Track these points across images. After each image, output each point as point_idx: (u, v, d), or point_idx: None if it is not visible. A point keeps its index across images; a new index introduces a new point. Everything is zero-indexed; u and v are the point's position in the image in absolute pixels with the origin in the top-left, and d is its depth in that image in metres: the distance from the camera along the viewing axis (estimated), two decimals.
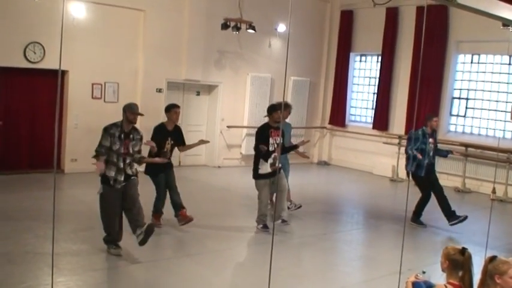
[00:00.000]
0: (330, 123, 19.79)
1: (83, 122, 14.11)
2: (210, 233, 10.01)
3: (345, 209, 13.71)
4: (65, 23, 12.78)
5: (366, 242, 10.75)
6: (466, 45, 16.28)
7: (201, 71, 16.34)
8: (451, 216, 11.26)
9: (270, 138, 10.09)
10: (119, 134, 8.16)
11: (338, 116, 19.42)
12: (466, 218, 11.10)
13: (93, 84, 14.48)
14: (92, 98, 14.44)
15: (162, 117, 15.44)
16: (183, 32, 15.79)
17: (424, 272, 5.34)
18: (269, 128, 10.21)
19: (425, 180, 11.34)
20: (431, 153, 11.32)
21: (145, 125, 14.64)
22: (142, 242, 8.04)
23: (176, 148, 10.36)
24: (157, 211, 10.07)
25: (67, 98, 14.15)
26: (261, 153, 10.01)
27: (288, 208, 11.30)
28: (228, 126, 16.99)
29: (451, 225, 11.12)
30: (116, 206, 8.19)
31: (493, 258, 4.71)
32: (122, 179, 8.15)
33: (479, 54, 16.17)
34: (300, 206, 11.85)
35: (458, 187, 15.71)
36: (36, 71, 13.62)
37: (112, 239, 8.29)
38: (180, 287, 7.48)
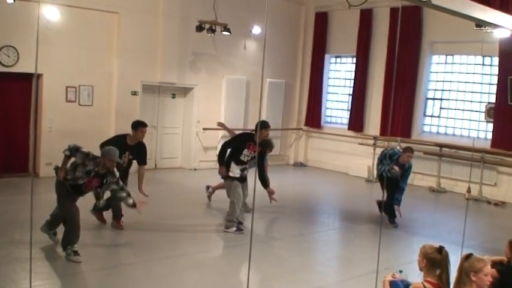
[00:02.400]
0: (305, 124, 19.84)
1: (58, 125, 14.01)
2: (185, 235, 9.98)
3: (322, 209, 13.74)
4: (40, 26, 12.66)
5: (343, 242, 10.80)
6: (440, 46, 16.42)
7: (176, 74, 16.30)
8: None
9: (245, 150, 10.22)
10: (91, 169, 8.09)
11: (314, 117, 19.48)
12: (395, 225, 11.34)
13: (67, 88, 14.36)
14: (66, 101, 14.33)
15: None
16: (157, 35, 15.74)
17: (401, 271, 5.38)
18: (250, 140, 10.30)
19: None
20: (394, 176, 11.35)
21: (120, 128, 14.65)
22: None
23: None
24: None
25: (41, 101, 14.03)
26: (234, 156, 10.23)
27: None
28: (204, 129, 16.96)
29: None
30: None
31: (468, 256, 4.76)
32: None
33: (453, 55, 16.31)
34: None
35: (433, 187, 15.84)
36: (10, 75, 13.47)
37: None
38: None
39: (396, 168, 11.22)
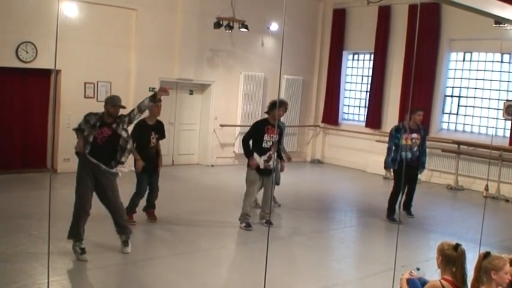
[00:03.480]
0: (323, 121, 19.80)
1: (76, 121, 13.89)
2: (202, 231, 9.99)
3: (339, 207, 13.72)
4: (58, 23, 12.74)
5: (360, 240, 10.77)
6: (459, 43, 16.31)
7: (194, 70, 16.33)
8: (388, 211, 11.46)
9: (266, 135, 10.01)
10: (94, 122, 8.06)
11: (331, 114, 19.44)
12: (396, 223, 11.23)
13: (85, 84, 14.44)
14: (85, 97, 14.40)
15: None
16: (175, 31, 15.77)
17: (418, 269, 5.36)
18: (267, 124, 10.09)
19: (396, 173, 11.40)
20: (414, 149, 11.29)
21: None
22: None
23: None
24: (131, 209, 9.88)
25: (60, 97, 14.11)
26: (256, 146, 10.01)
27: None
28: (221, 125, 16.98)
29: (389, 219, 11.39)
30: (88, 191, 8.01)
31: (487, 255, 4.73)
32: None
33: (471, 52, 16.20)
34: (279, 205, 11.98)
35: (451, 184, 15.75)
36: (28, 71, 13.58)
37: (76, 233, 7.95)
38: (174, 286, 7.46)
39: (415, 135, 11.17)
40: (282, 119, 12.13)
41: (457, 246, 4.85)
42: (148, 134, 9.84)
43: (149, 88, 15.40)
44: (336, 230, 11.08)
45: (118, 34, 14.92)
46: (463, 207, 13.88)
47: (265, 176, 10.13)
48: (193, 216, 10.87)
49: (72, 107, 13.97)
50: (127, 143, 8.17)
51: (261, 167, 9.99)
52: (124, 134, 8.15)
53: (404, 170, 11.30)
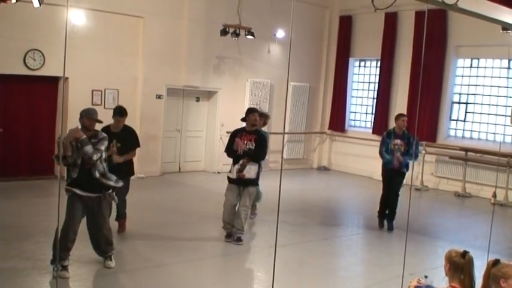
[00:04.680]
0: (329, 128, 19.80)
1: None
2: (208, 238, 9.98)
3: (345, 214, 13.70)
4: (67, 31, 12.77)
5: (367, 247, 10.74)
6: (466, 49, 16.30)
7: (201, 77, 16.36)
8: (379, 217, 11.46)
9: (237, 139, 9.71)
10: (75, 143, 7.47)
11: (338, 121, 19.44)
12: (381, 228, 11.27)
13: (93, 91, 14.48)
14: (92, 104, 14.38)
15: (163, 123, 15.59)
16: (182, 39, 15.81)
17: (426, 277, 5.34)
18: (242, 130, 9.82)
19: (384, 178, 11.45)
20: (398, 154, 11.13)
21: (145, 131, 14.73)
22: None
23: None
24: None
25: (67, 104, 14.13)
26: (232, 156, 9.74)
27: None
28: (228, 132, 16.82)
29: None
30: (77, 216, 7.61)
31: (496, 262, 4.69)
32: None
33: (478, 59, 16.19)
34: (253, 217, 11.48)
35: (458, 192, 15.71)
36: (36, 78, 13.63)
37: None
38: None
39: (398, 141, 11.06)
40: (264, 128, 11.68)
41: (465, 254, 4.82)
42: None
43: (156, 95, 15.47)
44: (343, 237, 11.06)
45: (125, 42, 14.96)
46: (470, 215, 13.84)
47: (242, 186, 9.73)
48: (198, 223, 10.87)
49: (79, 114, 13.95)
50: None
51: (233, 176, 9.67)
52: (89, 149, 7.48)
53: (387, 176, 11.29)
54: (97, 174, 7.57)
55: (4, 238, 9.02)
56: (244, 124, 9.95)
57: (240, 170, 9.58)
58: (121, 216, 9.76)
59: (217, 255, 9.32)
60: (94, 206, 7.69)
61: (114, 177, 7.79)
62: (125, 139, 9.35)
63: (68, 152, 7.44)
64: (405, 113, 16.74)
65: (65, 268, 7.48)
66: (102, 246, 7.93)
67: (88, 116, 7.65)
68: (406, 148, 11.10)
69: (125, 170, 9.34)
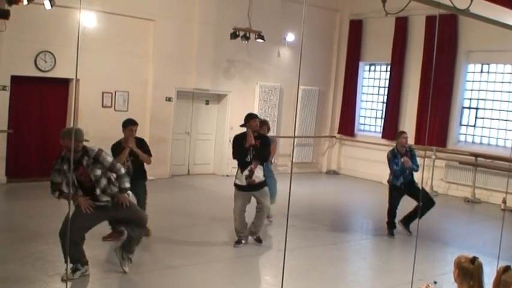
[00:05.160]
0: (339, 132, 19.78)
1: (93, 130, 14.09)
2: (215, 241, 9.99)
3: (355, 218, 13.67)
4: (76, 32, 12.82)
5: (376, 252, 10.71)
6: (476, 54, 16.24)
7: (210, 80, 16.39)
8: (405, 223, 11.30)
9: (246, 144, 9.56)
10: (59, 167, 7.42)
11: (347, 125, 19.41)
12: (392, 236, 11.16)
13: (103, 93, 14.54)
14: (102, 106, 14.50)
15: (172, 126, 15.61)
16: (192, 42, 15.85)
17: (435, 282, 5.34)
18: (244, 137, 9.66)
19: (394, 193, 11.39)
20: (406, 173, 11.16)
21: (154, 133, 14.77)
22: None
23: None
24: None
25: (77, 106, 14.20)
26: (239, 162, 9.63)
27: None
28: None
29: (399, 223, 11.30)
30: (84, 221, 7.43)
31: (507, 269, 4.67)
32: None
33: (489, 64, 16.13)
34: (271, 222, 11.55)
35: (467, 197, 15.65)
36: (47, 80, 13.70)
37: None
38: None
39: (404, 158, 11.02)
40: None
41: (474, 260, 4.80)
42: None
43: (166, 98, 15.50)
44: (352, 242, 11.04)
45: (136, 44, 15.02)
46: (480, 220, 13.78)
47: (254, 191, 9.71)
48: (206, 226, 10.88)
49: (89, 116, 14.03)
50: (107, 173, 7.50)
51: (242, 183, 9.60)
52: (98, 172, 7.38)
53: (404, 190, 11.27)
54: (98, 191, 7.43)
55: (14, 239, 9.08)
56: (242, 130, 9.81)
57: (250, 176, 9.54)
58: None
59: (226, 259, 9.32)
60: (110, 209, 7.59)
61: (113, 193, 7.58)
62: (138, 151, 9.43)
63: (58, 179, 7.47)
64: (415, 117, 16.85)
65: (74, 271, 7.45)
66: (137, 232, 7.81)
67: (62, 136, 7.26)
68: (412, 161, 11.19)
69: (138, 176, 9.41)
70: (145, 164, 9.65)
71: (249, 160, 9.54)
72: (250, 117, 9.79)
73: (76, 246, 7.41)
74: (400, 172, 11.06)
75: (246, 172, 9.53)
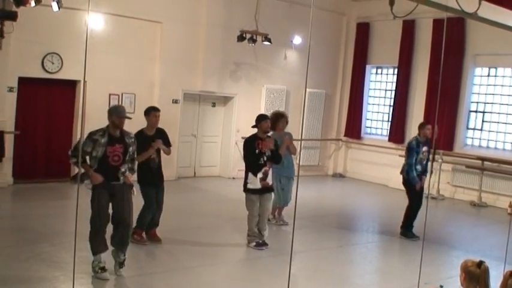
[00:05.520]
0: (345, 135, 19.76)
1: None
2: (222, 244, 9.98)
3: (361, 221, 13.65)
4: (83, 34, 12.84)
5: (382, 255, 10.70)
6: (483, 58, 16.21)
7: (217, 83, 16.40)
8: (406, 228, 11.29)
9: (257, 150, 9.58)
10: (104, 140, 7.56)
11: (353, 128, 19.39)
12: (417, 238, 11.00)
13: (110, 95, 14.56)
14: None
15: (179, 128, 15.61)
16: (199, 44, 15.86)
17: (441, 286, 5.32)
18: (256, 139, 9.69)
19: (412, 188, 11.28)
20: (424, 162, 11.21)
21: None
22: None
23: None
24: (141, 226, 9.45)
25: (84, 108, 14.22)
26: (249, 166, 9.60)
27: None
28: (243, 138, 16.84)
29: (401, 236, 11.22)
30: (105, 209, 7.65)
31: None
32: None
33: (496, 68, 16.10)
34: (286, 224, 11.61)
35: (474, 201, 15.60)
36: (54, 81, 13.73)
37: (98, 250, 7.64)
38: None
39: (425, 148, 11.11)
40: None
41: (480, 264, 4.79)
42: (147, 145, 9.20)
43: (173, 100, 15.51)
44: (358, 245, 11.03)
45: (143, 46, 15.04)
46: (486, 224, 13.74)
47: (262, 194, 9.73)
48: (212, 229, 10.87)
49: (96, 118, 13.93)
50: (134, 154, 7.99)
51: (257, 186, 9.57)
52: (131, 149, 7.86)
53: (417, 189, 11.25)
54: (123, 169, 7.71)
55: (20, 240, 9.10)
56: (249, 131, 9.88)
57: (264, 179, 9.57)
58: (156, 224, 9.67)
59: (232, 261, 9.32)
60: (117, 193, 7.69)
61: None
62: (163, 139, 9.49)
63: (89, 149, 7.53)
64: (422, 120, 16.80)
65: (103, 269, 7.60)
66: (119, 237, 7.78)
67: (117, 114, 7.69)
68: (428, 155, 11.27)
69: (159, 176, 9.55)
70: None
71: (262, 162, 9.57)
72: (261, 119, 9.87)
73: (105, 229, 7.64)
74: (416, 180, 11.05)
75: (260, 174, 9.54)
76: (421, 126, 11.42)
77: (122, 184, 7.73)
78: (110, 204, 7.75)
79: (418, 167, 11.14)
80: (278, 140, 10.44)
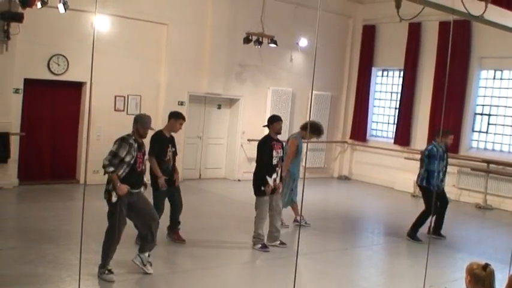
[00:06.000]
0: (351, 137, 19.76)
1: (106, 133, 14.11)
2: (227, 246, 9.98)
3: (366, 224, 13.63)
4: (89, 36, 12.90)
5: (387, 258, 10.69)
6: (489, 61, 16.19)
7: (223, 85, 16.41)
8: (436, 232, 11.34)
9: (273, 151, 9.64)
10: (136, 145, 7.65)
11: (359, 130, 19.39)
12: (421, 242, 11.04)
13: (116, 97, 14.59)
14: (115, 110, 14.54)
15: (184, 130, 15.58)
16: (205, 46, 15.88)
17: None
18: (271, 140, 9.75)
19: (433, 194, 11.26)
20: (443, 169, 11.23)
21: None
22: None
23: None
24: None
25: (90, 109, 14.24)
26: (264, 168, 9.59)
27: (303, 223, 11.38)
28: (249, 140, 16.96)
29: (431, 236, 11.12)
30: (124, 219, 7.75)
31: None
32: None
33: (502, 70, 16.07)
34: (287, 226, 11.58)
35: (479, 203, 15.58)
36: (59, 83, 13.77)
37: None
38: None
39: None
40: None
41: (486, 266, 4.78)
42: (166, 147, 9.39)
43: (178, 102, 15.52)
44: (363, 248, 11.02)
45: (149, 48, 15.07)
46: (492, 227, 13.72)
47: (274, 194, 9.78)
48: (218, 231, 10.88)
49: (102, 119, 14.06)
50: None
51: (272, 187, 9.63)
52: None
53: (437, 192, 11.22)
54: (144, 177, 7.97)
55: (25, 241, 9.13)
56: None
57: (275, 180, 9.63)
58: (176, 224, 9.79)
59: (236, 263, 9.32)
60: (135, 199, 7.75)
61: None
62: (175, 144, 9.65)
63: (124, 153, 7.57)
64: (428, 123, 16.82)
65: (110, 271, 7.64)
66: (152, 236, 7.95)
67: (143, 125, 7.81)
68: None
69: (172, 178, 9.57)
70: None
71: (276, 163, 9.66)
72: (274, 119, 9.95)
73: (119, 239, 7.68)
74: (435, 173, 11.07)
75: (275, 175, 9.63)
76: (443, 135, 11.44)
77: (139, 191, 7.84)
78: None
79: (439, 175, 11.16)
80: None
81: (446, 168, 11.40)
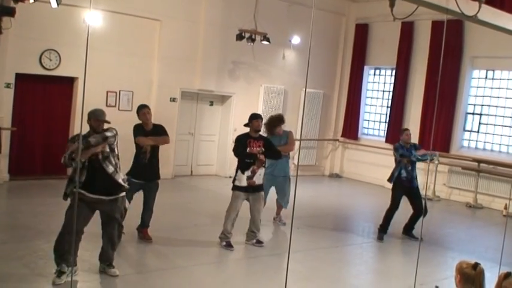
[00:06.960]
0: (342, 135, 19.78)
1: None
2: (217, 242, 9.97)
3: (357, 222, 13.67)
4: (82, 31, 12.87)
5: (378, 256, 10.71)
6: (481, 60, 16.25)
7: (215, 81, 16.40)
8: (408, 232, 11.39)
9: (248, 149, 9.56)
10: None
11: (351, 128, 19.42)
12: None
13: (107, 92, 14.55)
14: (106, 106, 14.46)
15: (176, 126, 15.58)
16: (198, 43, 15.87)
17: (436, 287, 5.32)
18: (248, 137, 9.68)
19: (397, 191, 11.30)
20: (408, 168, 11.21)
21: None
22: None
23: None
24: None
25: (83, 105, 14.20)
26: (238, 163, 9.60)
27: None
28: None
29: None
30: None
31: (508, 275, 4.67)
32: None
33: (493, 70, 16.12)
34: (284, 224, 11.68)
35: (469, 202, 15.64)
36: (51, 78, 13.73)
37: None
38: None
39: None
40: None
41: (476, 265, 4.80)
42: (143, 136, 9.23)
43: (170, 98, 15.51)
44: (354, 246, 11.05)
45: (141, 44, 15.04)
46: (482, 226, 13.77)
47: (251, 193, 9.69)
48: (207, 227, 10.87)
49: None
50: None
51: (242, 184, 9.56)
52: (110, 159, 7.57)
53: (406, 189, 11.30)
54: (110, 169, 7.43)
55: (15, 237, 9.11)
56: (245, 129, 9.89)
57: (251, 177, 9.52)
58: (146, 224, 9.58)
59: (228, 260, 9.33)
60: (106, 209, 7.55)
61: (123, 176, 7.71)
62: (157, 136, 9.39)
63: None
64: (419, 122, 16.84)
65: (59, 273, 7.31)
66: (110, 251, 7.78)
67: (95, 118, 7.64)
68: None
69: (147, 174, 9.42)
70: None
71: (252, 161, 9.54)
72: (253, 117, 9.90)
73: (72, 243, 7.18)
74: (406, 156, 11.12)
75: (248, 173, 9.51)
76: (400, 133, 11.69)
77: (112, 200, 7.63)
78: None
79: (403, 172, 11.16)
80: (281, 139, 10.94)
81: (414, 164, 11.30)
